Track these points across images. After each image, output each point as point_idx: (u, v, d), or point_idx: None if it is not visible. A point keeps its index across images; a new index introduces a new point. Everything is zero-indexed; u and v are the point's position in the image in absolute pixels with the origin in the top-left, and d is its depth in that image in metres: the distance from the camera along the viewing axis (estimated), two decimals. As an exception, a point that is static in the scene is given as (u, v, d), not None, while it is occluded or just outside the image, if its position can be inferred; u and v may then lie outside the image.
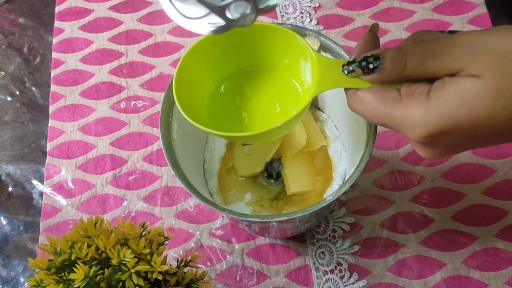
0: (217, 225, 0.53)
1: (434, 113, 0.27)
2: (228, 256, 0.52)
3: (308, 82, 0.36)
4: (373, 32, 0.33)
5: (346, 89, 0.32)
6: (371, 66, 0.30)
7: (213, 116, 0.38)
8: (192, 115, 0.33)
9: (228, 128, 0.38)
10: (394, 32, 0.63)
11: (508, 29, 0.26)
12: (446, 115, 0.26)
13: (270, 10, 0.26)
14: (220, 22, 0.26)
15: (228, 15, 0.26)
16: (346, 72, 0.32)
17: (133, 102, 0.60)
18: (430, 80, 0.28)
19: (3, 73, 0.64)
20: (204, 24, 0.26)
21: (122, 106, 0.60)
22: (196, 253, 0.42)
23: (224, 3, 0.25)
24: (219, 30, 0.26)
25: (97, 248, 0.36)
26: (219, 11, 0.25)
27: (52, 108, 0.60)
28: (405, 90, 0.29)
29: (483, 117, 0.26)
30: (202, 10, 0.26)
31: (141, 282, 0.35)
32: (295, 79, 0.38)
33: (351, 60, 0.32)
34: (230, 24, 0.26)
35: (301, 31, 0.42)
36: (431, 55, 0.28)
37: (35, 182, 0.57)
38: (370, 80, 0.31)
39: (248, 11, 0.25)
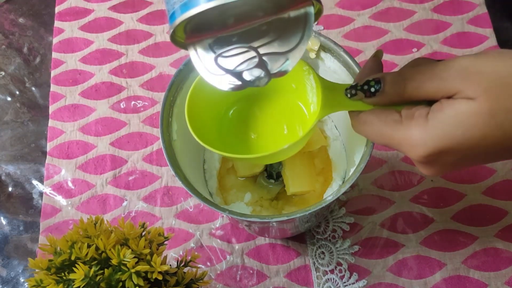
0: (217, 225, 0.53)
1: (432, 134, 0.28)
2: (228, 256, 0.52)
3: (314, 104, 0.38)
4: (377, 58, 0.34)
5: (349, 112, 0.34)
6: (372, 89, 0.32)
7: (223, 136, 0.40)
8: (203, 137, 0.34)
9: (237, 148, 0.39)
10: (394, 32, 0.63)
11: (500, 53, 0.28)
12: (443, 136, 0.28)
13: (282, 75, 0.29)
14: (238, 82, 0.29)
15: (245, 77, 0.29)
16: (349, 95, 0.33)
17: (133, 102, 0.60)
18: (429, 102, 0.30)
19: (3, 73, 0.64)
20: (225, 81, 0.29)
21: (122, 106, 0.60)
22: (196, 253, 0.42)
23: (239, 70, 0.29)
24: (236, 88, 0.29)
25: (97, 248, 0.36)
26: (237, 73, 0.29)
27: (52, 108, 0.60)
28: (406, 112, 0.30)
29: (478, 137, 0.27)
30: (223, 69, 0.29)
31: (141, 282, 0.35)
32: (301, 102, 0.39)
33: (353, 84, 0.33)
34: (246, 85, 0.29)
35: None
36: (429, 78, 0.29)
37: (35, 182, 0.57)
38: (372, 103, 0.32)
39: (262, 75, 0.29)
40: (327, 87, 0.34)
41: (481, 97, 0.27)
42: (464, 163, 0.30)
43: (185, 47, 0.29)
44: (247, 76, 0.29)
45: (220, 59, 0.29)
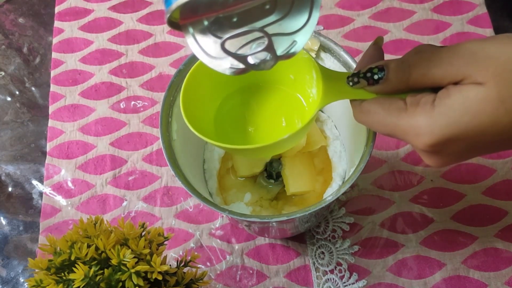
0: (217, 225, 0.53)
1: (439, 122, 0.27)
2: (228, 256, 0.52)
3: (313, 95, 0.37)
4: (378, 45, 0.33)
5: (351, 101, 0.33)
6: (375, 77, 0.30)
7: (220, 129, 0.39)
8: (199, 129, 0.34)
9: (234, 141, 0.38)
10: (394, 32, 0.63)
11: (510, 37, 0.27)
12: (451, 123, 0.27)
13: (289, 57, 0.27)
14: (240, 65, 0.27)
15: (250, 60, 0.27)
16: (351, 84, 0.32)
17: (132, 102, 0.60)
18: (434, 89, 0.29)
19: (3, 73, 0.64)
20: (226, 64, 0.27)
21: (122, 106, 0.60)
22: (195, 253, 0.42)
23: (244, 53, 0.26)
24: (239, 72, 0.27)
25: (96, 248, 0.36)
26: (241, 57, 0.26)
27: (52, 108, 0.60)
28: (410, 99, 0.29)
29: (487, 124, 0.26)
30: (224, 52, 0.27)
31: (141, 282, 0.35)
32: (300, 93, 0.38)
33: (355, 72, 0.32)
34: (250, 68, 0.27)
35: None
36: (435, 64, 0.28)
37: (34, 182, 0.57)
38: (375, 91, 0.31)
39: (268, 58, 0.26)
40: (328, 76, 0.33)
41: (490, 82, 0.26)
42: (471, 152, 0.29)
43: (181, 28, 0.27)
44: (251, 59, 0.27)
45: (222, 41, 0.26)
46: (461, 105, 0.26)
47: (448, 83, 0.28)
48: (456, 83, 0.27)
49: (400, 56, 0.31)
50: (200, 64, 0.35)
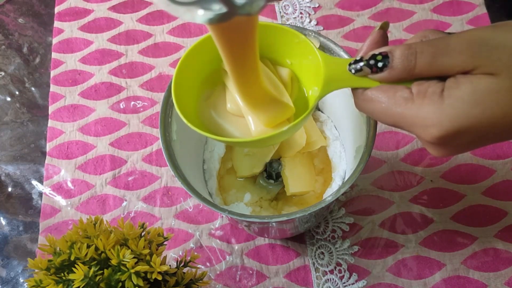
0: (217, 226, 0.53)
1: (448, 114, 0.26)
2: (227, 257, 0.52)
3: (311, 82, 0.35)
4: (383, 31, 0.32)
5: (353, 89, 0.32)
6: (379, 64, 0.29)
7: (213, 120, 0.37)
8: (192, 120, 0.32)
9: (230, 132, 0.36)
10: (394, 32, 0.63)
11: None
12: (461, 115, 0.26)
13: None
14: (219, 9, 0.21)
15: (233, 0, 0.21)
16: (353, 71, 0.30)
17: (132, 103, 0.60)
18: (441, 77, 0.28)
19: (3, 73, 0.64)
20: (198, 11, 0.22)
21: (121, 107, 0.60)
22: (195, 253, 0.42)
23: None
24: (219, 19, 0.22)
25: (96, 249, 0.36)
26: None
27: (51, 109, 0.60)
28: (417, 89, 0.28)
29: (498, 116, 0.25)
30: None
31: (141, 283, 0.35)
32: (297, 79, 0.37)
33: (358, 58, 0.30)
34: (233, 12, 0.21)
35: (301, 32, 0.42)
36: (443, 52, 0.27)
37: (34, 182, 0.57)
38: (379, 79, 0.30)
39: None
40: (328, 62, 0.31)
41: (503, 73, 0.25)
42: (477, 143, 0.28)
43: None
44: None
45: None
46: (472, 97, 0.26)
47: (456, 72, 0.27)
48: (465, 73, 0.26)
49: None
50: (190, 52, 0.33)
